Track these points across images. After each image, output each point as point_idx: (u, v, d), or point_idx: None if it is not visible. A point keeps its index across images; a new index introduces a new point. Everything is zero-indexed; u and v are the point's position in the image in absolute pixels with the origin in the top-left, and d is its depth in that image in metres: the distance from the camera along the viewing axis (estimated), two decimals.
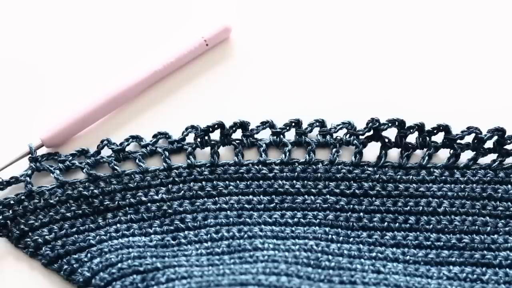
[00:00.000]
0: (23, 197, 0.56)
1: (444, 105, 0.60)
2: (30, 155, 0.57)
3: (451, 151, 0.57)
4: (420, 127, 0.57)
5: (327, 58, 0.63)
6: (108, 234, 0.55)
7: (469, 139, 0.57)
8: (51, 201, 0.56)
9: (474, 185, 0.55)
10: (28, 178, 0.56)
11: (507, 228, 0.54)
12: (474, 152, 0.57)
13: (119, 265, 0.53)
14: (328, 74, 0.62)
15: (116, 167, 0.57)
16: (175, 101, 0.61)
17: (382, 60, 0.63)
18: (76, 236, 0.55)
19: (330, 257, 0.53)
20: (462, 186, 0.56)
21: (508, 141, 0.56)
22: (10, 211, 0.56)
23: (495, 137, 0.56)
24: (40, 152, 0.58)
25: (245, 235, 0.54)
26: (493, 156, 0.57)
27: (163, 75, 0.61)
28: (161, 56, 0.61)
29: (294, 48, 0.63)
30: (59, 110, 0.60)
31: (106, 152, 0.58)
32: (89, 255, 0.54)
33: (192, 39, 0.62)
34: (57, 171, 0.57)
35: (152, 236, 0.55)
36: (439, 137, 0.57)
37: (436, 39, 0.63)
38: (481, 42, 0.63)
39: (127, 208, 0.56)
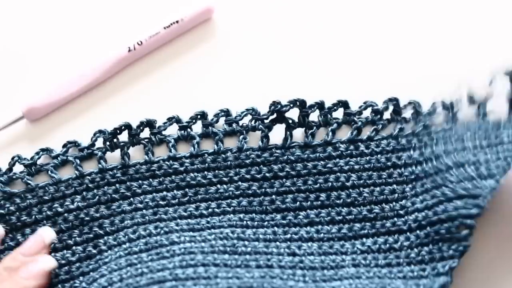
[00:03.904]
0: None
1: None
2: None
3: (354, 125, 0.58)
4: (320, 105, 0.58)
5: (311, 40, 0.63)
6: None
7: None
8: None
9: (379, 155, 0.57)
10: None
11: (413, 191, 0.55)
12: (374, 125, 0.58)
13: None
14: (312, 55, 0.62)
15: (29, 181, 0.57)
16: (155, 81, 0.62)
17: (363, 41, 0.63)
18: None
19: (246, 242, 0.54)
20: (367, 158, 0.57)
21: (403, 109, 0.57)
22: None
23: (391, 108, 0.58)
24: (21, 124, 0.60)
25: (162, 231, 0.55)
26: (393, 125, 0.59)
27: (142, 54, 0.62)
28: (140, 35, 0.61)
29: (278, 30, 0.63)
30: (41, 84, 0.61)
31: (18, 168, 0.58)
32: None
33: (173, 19, 0.62)
34: None
35: (74, 247, 0.55)
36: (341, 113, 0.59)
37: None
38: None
39: (45, 221, 0.56)
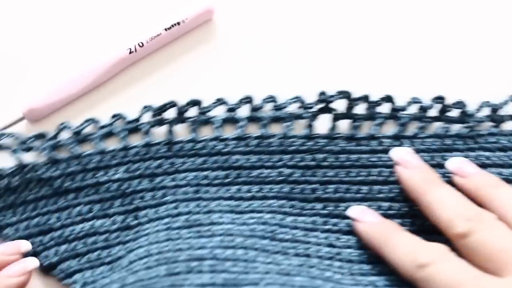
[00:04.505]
0: None
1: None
2: None
3: (397, 121, 0.58)
4: (366, 98, 0.58)
5: (313, 40, 0.63)
6: (70, 219, 0.56)
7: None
8: (13, 184, 0.57)
9: (423, 153, 0.57)
10: None
11: None
12: (419, 122, 0.58)
13: (88, 255, 0.55)
14: (313, 56, 0.62)
15: (75, 148, 0.58)
16: (155, 82, 0.62)
17: (365, 36, 0.64)
18: (38, 218, 0.56)
19: (286, 229, 0.55)
20: None
21: (450, 108, 0.58)
22: None
23: (439, 106, 0.58)
24: (21, 125, 0.60)
25: (202, 210, 0.56)
26: (440, 124, 0.59)
27: (143, 55, 0.62)
28: (141, 37, 0.61)
29: (279, 31, 0.63)
30: (41, 84, 0.61)
31: (64, 136, 0.59)
32: (53, 240, 0.55)
33: (174, 20, 0.62)
34: (19, 153, 0.57)
35: (114, 217, 0.56)
36: (387, 108, 0.59)
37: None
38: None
39: (87, 188, 0.57)
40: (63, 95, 0.60)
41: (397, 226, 0.53)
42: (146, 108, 0.59)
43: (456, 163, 0.55)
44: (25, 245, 0.55)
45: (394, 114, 0.59)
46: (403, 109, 0.59)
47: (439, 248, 0.49)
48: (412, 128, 0.59)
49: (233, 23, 0.64)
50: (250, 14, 0.64)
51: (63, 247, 0.56)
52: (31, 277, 0.53)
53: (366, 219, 0.54)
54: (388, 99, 0.58)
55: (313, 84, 0.60)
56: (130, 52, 0.61)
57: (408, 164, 0.54)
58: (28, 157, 0.58)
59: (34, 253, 0.55)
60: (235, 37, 0.63)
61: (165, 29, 0.62)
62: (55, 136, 0.58)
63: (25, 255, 0.54)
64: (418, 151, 0.57)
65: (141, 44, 0.61)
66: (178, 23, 0.62)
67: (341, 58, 0.63)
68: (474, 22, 0.64)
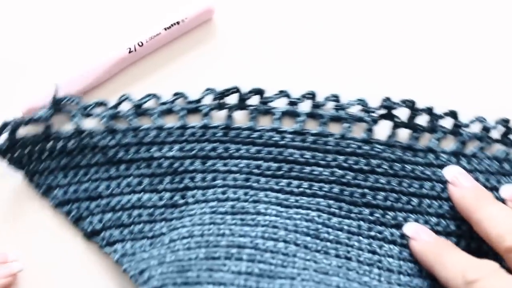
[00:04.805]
0: (40, 138, 0.57)
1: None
2: (53, 96, 0.58)
3: (458, 137, 0.57)
4: (429, 110, 0.57)
5: (313, 41, 0.62)
6: (119, 189, 0.57)
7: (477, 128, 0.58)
8: (69, 147, 0.58)
9: (478, 173, 0.56)
10: (48, 120, 0.57)
11: None
12: (480, 142, 0.57)
13: (132, 227, 0.55)
14: (314, 56, 0.62)
15: (133, 120, 0.58)
16: (155, 82, 0.61)
17: (375, 41, 0.63)
18: (88, 184, 0.57)
19: (330, 230, 0.55)
20: None
21: None
22: (27, 150, 0.57)
23: (503, 128, 0.57)
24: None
25: (250, 199, 0.56)
26: (499, 146, 0.58)
27: (142, 55, 0.61)
28: (141, 36, 0.61)
29: (279, 31, 0.62)
30: (41, 84, 0.61)
31: (124, 107, 0.59)
32: (99, 207, 0.56)
33: (173, 20, 0.61)
34: (79, 118, 0.58)
35: (162, 193, 0.56)
36: (449, 123, 0.58)
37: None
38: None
39: (140, 162, 0.57)
40: (63, 95, 0.59)
41: (450, 244, 0.53)
42: (208, 91, 0.58)
43: (510, 190, 0.54)
44: (12, 256, 0.56)
45: (456, 130, 0.58)
46: (466, 126, 0.57)
47: (489, 264, 0.49)
48: (472, 147, 0.57)
49: (233, 23, 0.63)
50: (250, 14, 0.63)
51: (108, 215, 0.56)
52: (16, 279, 0.56)
53: (421, 237, 0.53)
54: (452, 114, 0.57)
55: (313, 84, 0.60)
56: (130, 52, 0.61)
57: (460, 184, 0.53)
58: (87, 124, 0.59)
59: (79, 217, 0.56)
60: (235, 37, 0.63)
61: (165, 29, 0.61)
62: (115, 106, 0.59)
63: None
64: (474, 171, 0.56)
65: (140, 44, 0.61)
66: (178, 23, 0.61)
67: (339, 58, 0.62)
68: None
